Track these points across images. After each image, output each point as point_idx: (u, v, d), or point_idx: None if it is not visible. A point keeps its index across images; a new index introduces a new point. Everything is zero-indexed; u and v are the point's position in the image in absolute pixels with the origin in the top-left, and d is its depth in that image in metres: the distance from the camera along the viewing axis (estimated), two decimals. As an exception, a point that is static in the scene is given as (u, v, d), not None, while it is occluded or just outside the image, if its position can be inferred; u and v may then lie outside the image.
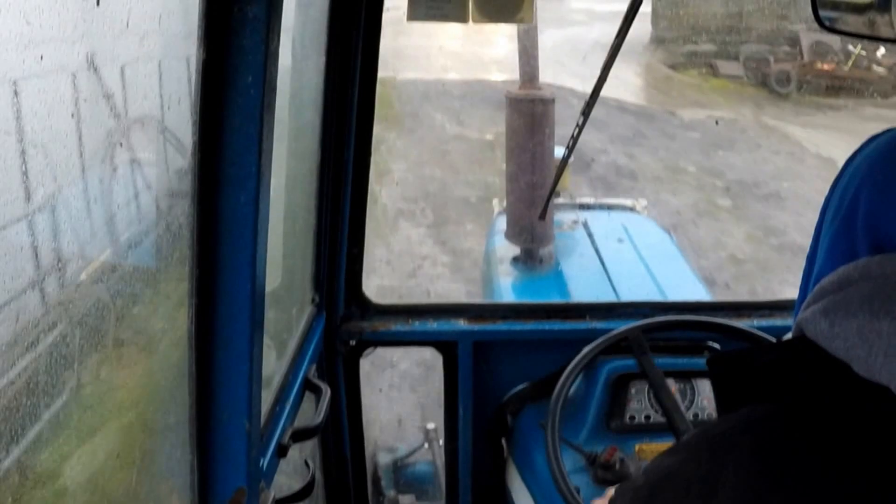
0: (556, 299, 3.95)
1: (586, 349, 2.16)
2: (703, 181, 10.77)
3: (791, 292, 1.46)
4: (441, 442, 2.75)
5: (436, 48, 14.85)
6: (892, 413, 0.76)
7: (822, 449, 0.78)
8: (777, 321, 2.35)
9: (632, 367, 2.23)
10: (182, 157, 1.25)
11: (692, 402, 2.33)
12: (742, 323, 2.25)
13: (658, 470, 0.87)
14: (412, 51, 13.79)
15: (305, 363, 2.03)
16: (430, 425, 3.43)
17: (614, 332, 2.19)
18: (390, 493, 3.24)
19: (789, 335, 0.90)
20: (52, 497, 1.03)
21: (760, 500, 0.77)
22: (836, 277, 0.86)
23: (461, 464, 2.55)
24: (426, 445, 3.42)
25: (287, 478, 1.89)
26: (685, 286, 4.22)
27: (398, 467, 3.35)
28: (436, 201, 9.56)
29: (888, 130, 0.91)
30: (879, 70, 14.97)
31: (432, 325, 2.49)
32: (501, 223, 4.77)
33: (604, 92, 1.99)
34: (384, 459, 3.35)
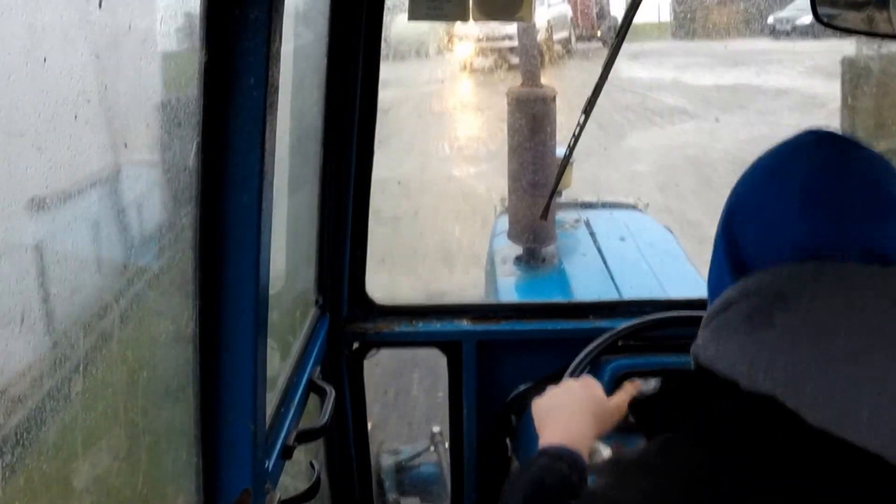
0: (558, 298, 3.94)
1: (589, 347, 2.15)
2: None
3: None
4: (447, 445, 2.74)
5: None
6: (777, 419, 0.80)
7: (717, 463, 0.83)
8: None
9: (635, 366, 2.22)
10: (185, 159, 1.26)
11: None
12: None
13: (588, 493, 1.03)
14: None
15: (310, 365, 2.03)
16: (436, 428, 3.41)
17: (617, 329, 2.18)
18: (394, 495, 3.24)
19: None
20: (57, 499, 1.03)
21: None
22: (719, 302, 0.92)
23: (466, 464, 2.55)
24: (431, 448, 3.41)
25: (292, 479, 1.89)
26: (687, 283, 4.21)
27: (402, 469, 3.34)
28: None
29: (758, 159, 1.00)
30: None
31: (436, 325, 2.48)
32: (503, 223, 4.77)
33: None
34: (388, 461, 3.34)
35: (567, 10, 14.27)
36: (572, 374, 2.07)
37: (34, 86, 0.90)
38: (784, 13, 13.78)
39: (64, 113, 0.98)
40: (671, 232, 5.26)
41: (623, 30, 1.81)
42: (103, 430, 1.15)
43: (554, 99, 4.37)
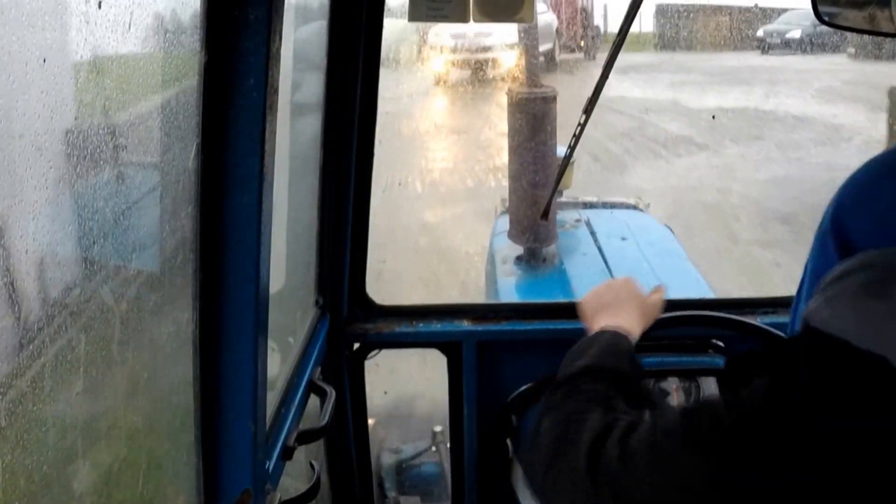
0: (559, 298, 3.94)
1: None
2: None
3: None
4: (448, 444, 2.74)
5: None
6: (885, 378, 0.88)
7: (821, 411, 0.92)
8: (781, 318, 2.34)
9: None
10: (185, 160, 1.25)
11: (697, 400, 2.32)
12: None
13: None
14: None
15: (310, 365, 2.03)
16: (437, 428, 3.41)
17: None
18: (394, 493, 3.23)
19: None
20: (58, 500, 1.03)
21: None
22: (836, 271, 0.99)
23: (467, 464, 2.55)
24: (433, 448, 3.41)
25: (293, 479, 1.89)
26: (688, 284, 4.21)
27: (403, 469, 3.34)
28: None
29: (867, 164, 1.09)
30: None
31: (436, 326, 2.48)
32: (504, 223, 4.77)
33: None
34: (388, 461, 3.34)
35: (552, 19, 13.39)
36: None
37: (34, 86, 0.90)
38: (773, 26, 13.23)
39: (64, 114, 0.98)
40: (672, 231, 5.26)
41: (625, 27, 1.80)
42: (104, 431, 1.15)
43: (554, 98, 4.37)
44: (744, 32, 12.62)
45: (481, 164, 9.00)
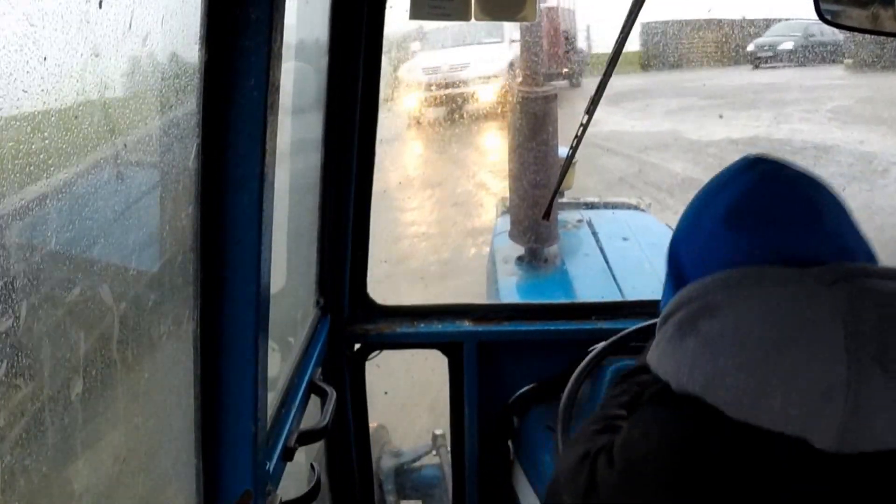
0: (561, 299, 3.93)
1: (596, 349, 2.13)
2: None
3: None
4: (449, 447, 2.73)
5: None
6: (703, 415, 0.94)
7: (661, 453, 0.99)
8: None
9: None
10: (185, 160, 1.25)
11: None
12: None
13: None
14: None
15: (311, 366, 2.02)
16: (438, 431, 3.40)
17: (625, 331, 2.16)
18: (393, 497, 3.22)
19: None
20: (58, 501, 1.03)
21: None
22: (663, 314, 1.06)
23: (468, 466, 2.54)
24: (434, 451, 3.39)
25: (293, 481, 1.89)
26: None
27: (403, 472, 3.33)
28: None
29: (699, 190, 1.13)
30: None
31: (437, 326, 2.48)
32: (505, 224, 4.76)
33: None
34: (388, 464, 3.33)
35: None
36: (580, 375, 2.06)
37: (33, 86, 0.89)
38: (764, 39, 12.56)
39: (64, 114, 0.97)
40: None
41: (627, 26, 1.80)
42: (103, 432, 1.15)
43: (556, 98, 4.37)
44: (733, 47, 12.01)
45: (458, 227, 7.99)
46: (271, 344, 1.48)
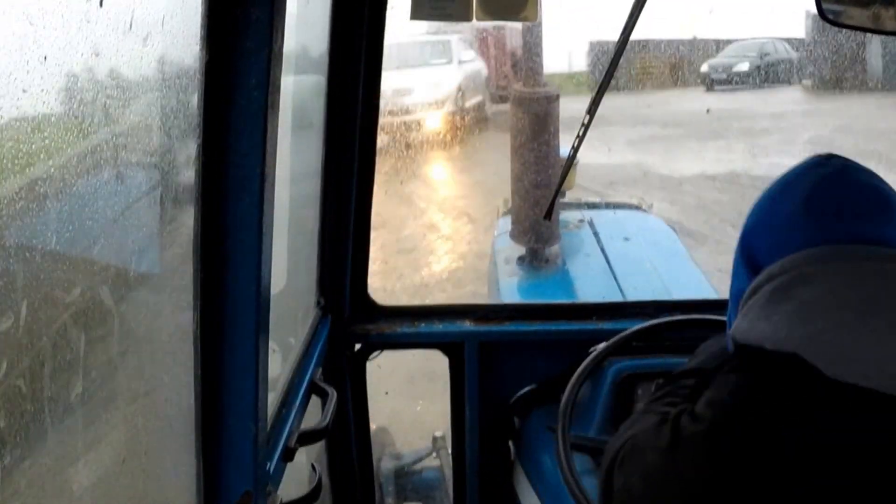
0: (562, 299, 3.93)
1: (598, 349, 2.13)
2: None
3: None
4: (449, 450, 2.73)
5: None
6: (799, 372, 0.98)
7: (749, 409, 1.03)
8: None
9: (639, 368, 2.21)
10: (186, 160, 1.25)
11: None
12: None
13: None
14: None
15: (311, 366, 2.02)
16: (438, 433, 3.39)
17: (626, 332, 2.16)
18: (392, 499, 3.21)
19: None
20: (57, 501, 1.03)
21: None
22: (749, 289, 1.11)
23: (468, 466, 2.54)
24: (434, 454, 3.39)
25: (294, 481, 1.88)
26: (691, 284, 4.20)
27: (404, 475, 3.32)
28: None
29: (771, 184, 1.19)
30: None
31: (438, 326, 2.47)
32: (506, 224, 4.76)
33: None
34: (388, 466, 3.32)
35: (481, 66, 11.54)
36: (581, 375, 2.06)
37: (33, 85, 0.89)
38: (718, 60, 12.29)
39: (64, 113, 0.97)
40: (675, 232, 5.25)
41: (629, 25, 1.79)
42: (104, 432, 1.15)
43: (557, 98, 4.37)
44: (685, 68, 11.68)
45: (405, 281, 6.74)
46: (272, 344, 1.48)
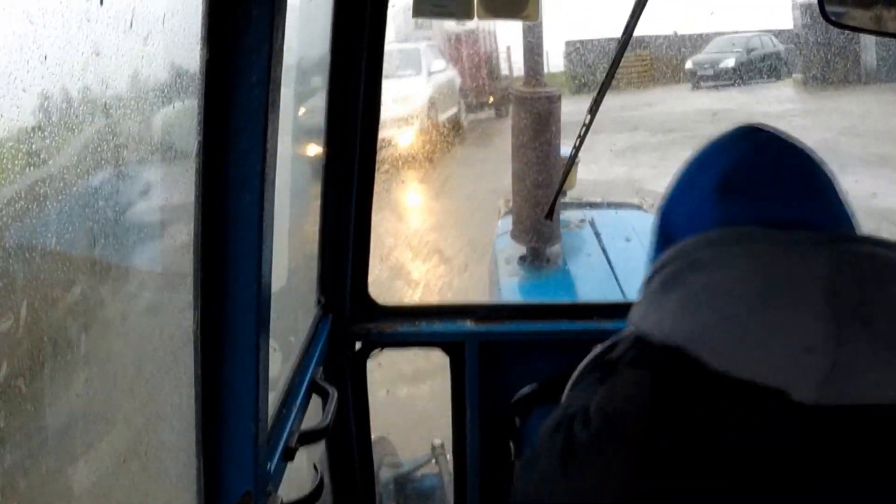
0: (563, 299, 3.93)
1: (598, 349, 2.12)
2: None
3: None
4: (449, 457, 2.72)
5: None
6: (682, 365, 0.93)
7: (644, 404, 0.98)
8: None
9: None
10: (186, 158, 1.25)
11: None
12: None
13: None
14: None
15: (312, 365, 2.02)
16: (437, 441, 3.37)
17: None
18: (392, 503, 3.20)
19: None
20: (57, 501, 1.03)
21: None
22: (649, 271, 1.06)
23: (469, 466, 2.54)
24: (433, 461, 3.37)
25: (295, 482, 1.88)
26: None
27: (403, 483, 3.30)
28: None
29: (690, 156, 1.14)
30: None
31: (439, 326, 2.47)
32: (507, 224, 4.76)
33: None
34: (387, 474, 3.30)
35: (454, 75, 10.76)
36: (581, 374, 2.04)
37: (34, 85, 0.89)
38: (703, 56, 11.70)
39: (65, 112, 0.97)
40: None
41: (631, 25, 1.79)
42: (104, 432, 1.14)
43: (559, 98, 4.36)
44: (670, 64, 11.01)
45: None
46: (272, 343, 1.47)
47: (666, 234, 1.12)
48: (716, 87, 11.52)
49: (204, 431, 1.34)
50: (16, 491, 0.89)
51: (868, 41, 9.66)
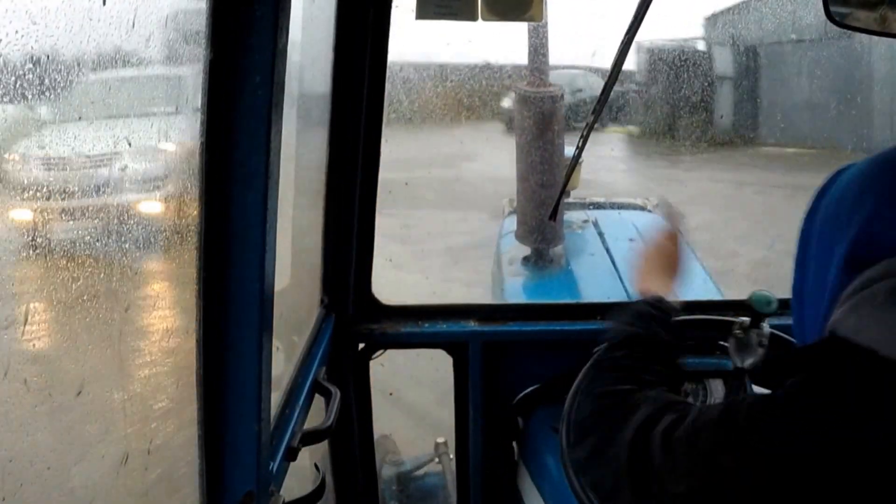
0: (566, 299, 3.92)
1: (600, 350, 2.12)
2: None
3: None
4: (452, 456, 2.72)
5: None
6: None
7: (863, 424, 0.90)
8: (789, 320, 2.31)
9: None
10: (190, 158, 1.25)
11: (704, 402, 2.30)
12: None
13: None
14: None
15: (315, 365, 2.02)
16: (440, 439, 3.37)
17: None
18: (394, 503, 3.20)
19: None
20: (59, 500, 1.03)
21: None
22: (858, 282, 0.98)
23: (472, 466, 2.54)
24: (436, 460, 3.37)
25: (297, 481, 1.88)
26: (696, 284, 4.19)
27: (406, 480, 3.30)
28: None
29: (851, 166, 1.08)
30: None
31: (442, 326, 2.47)
32: (511, 224, 4.75)
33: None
34: (389, 473, 3.30)
35: None
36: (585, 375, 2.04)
37: (36, 84, 0.89)
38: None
39: (67, 113, 0.97)
40: (680, 233, 5.22)
41: (635, 25, 1.79)
42: (105, 431, 1.15)
43: (562, 97, 4.36)
44: (485, 102, 7.63)
45: None
46: (275, 342, 1.47)
47: (852, 248, 1.02)
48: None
49: (206, 431, 1.34)
50: (17, 490, 0.89)
51: (727, 92, 8.75)
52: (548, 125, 4.24)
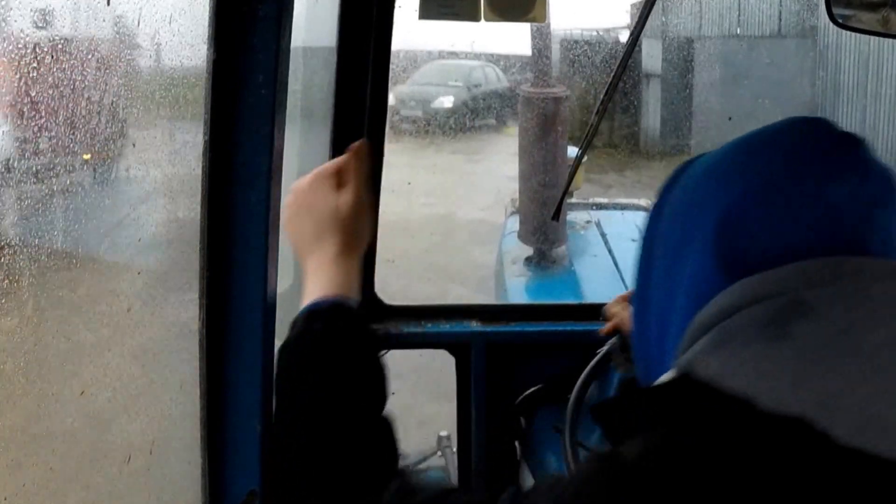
0: (569, 300, 3.92)
1: (605, 350, 2.12)
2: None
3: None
4: (454, 449, 2.71)
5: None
6: (805, 441, 0.69)
7: (733, 484, 0.69)
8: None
9: None
10: (193, 158, 1.25)
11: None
12: None
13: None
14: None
15: (317, 364, 2.01)
16: (443, 433, 3.37)
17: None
18: None
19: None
20: (61, 499, 1.03)
21: None
22: (715, 307, 0.78)
23: (474, 466, 2.53)
24: (439, 453, 3.37)
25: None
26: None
27: (409, 473, 3.29)
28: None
29: (701, 155, 0.88)
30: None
31: (445, 326, 2.47)
32: (514, 224, 4.76)
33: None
34: None
35: None
36: (588, 376, 2.04)
37: (41, 84, 0.89)
38: (410, 88, 8.00)
39: (73, 112, 0.97)
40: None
41: (638, 25, 1.79)
42: (108, 430, 1.15)
43: (566, 98, 4.36)
44: None
45: None
46: (278, 342, 1.47)
47: (732, 248, 0.80)
48: (419, 132, 7.80)
49: (209, 430, 1.34)
50: (19, 490, 0.89)
51: (654, 92, 7.82)
52: (551, 126, 4.25)
